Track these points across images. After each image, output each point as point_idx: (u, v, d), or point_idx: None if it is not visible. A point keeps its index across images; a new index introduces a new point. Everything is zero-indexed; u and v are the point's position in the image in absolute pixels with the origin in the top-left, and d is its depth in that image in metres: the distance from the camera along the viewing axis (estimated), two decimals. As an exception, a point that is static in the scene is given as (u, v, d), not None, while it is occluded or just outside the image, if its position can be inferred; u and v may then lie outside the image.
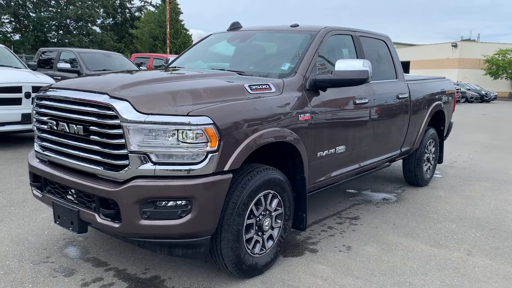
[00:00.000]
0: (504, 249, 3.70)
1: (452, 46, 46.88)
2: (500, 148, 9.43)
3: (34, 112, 3.06)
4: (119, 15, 43.90)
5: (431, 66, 47.56)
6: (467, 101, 34.35)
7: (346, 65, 3.36)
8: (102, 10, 38.99)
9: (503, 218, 4.54)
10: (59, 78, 9.21)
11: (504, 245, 3.78)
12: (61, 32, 36.25)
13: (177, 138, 2.43)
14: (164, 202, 2.48)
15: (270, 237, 3.08)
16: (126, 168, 2.47)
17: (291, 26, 4.09)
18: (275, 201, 3.04)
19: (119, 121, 2.44)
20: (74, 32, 36.69)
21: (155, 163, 2.45)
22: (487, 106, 29.24)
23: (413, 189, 5.59)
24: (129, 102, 2.47)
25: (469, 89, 36.28)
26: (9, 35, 35.03)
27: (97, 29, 38.71)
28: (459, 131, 11.65)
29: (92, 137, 2.59)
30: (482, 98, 35.72)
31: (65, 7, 35.12)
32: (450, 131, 6.42)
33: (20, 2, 32.97)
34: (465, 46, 47.61)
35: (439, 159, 6.15)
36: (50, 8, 35.09)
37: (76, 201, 2.78)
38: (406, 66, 47.56)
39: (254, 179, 2.80)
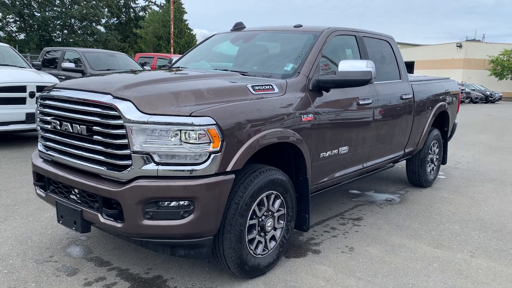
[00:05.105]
0: (508, 251, 3.68)
1: (457, 46, 46.67)
2: (505, 149, 9.38)
3: (38, 111, 3.08)
4: (123, 15, 44.06)
5: (435, 67, 47.37)
6: (471, 101, 34.18)
7: (350, 65, 3.35)
8: (106, 9, 39.16)
9: (507, 219, 4.51)
10: (63, 77, 9.25)
11: (507, 247, 3.76)
12: (65, 31, 36.45)
13: (180, 139, 2.44)
14: (166, 202, 2.49)
15: (273, 237, 3.08)
16: (129, 168, 2.47)
17: (294, 27, 4.08)
18: (277, 202, 3.04)
19: (122, 121, 2.45)
20: (79, 32, 36.89)
21: (158, 163, 2.46)
22: (492, 107, 29.09)
23: (416, 190, 5.57)
24: (132, 103, 2.48)
25: (473, 90, 36.07)
26: (14, 35, 35.24)
27: (102, 29, 38.91)
28: (463, 131, 11.60)
29: (95, 137, 2.60)
30: (487, 99, 35.54)
31: (69, 7, 35.31)
32: (454, 132, 6.39)
33: (25, 1, 33.16)
34: (470, 46, 47.37)
35: (443, 160, 6.12)
36: (55, 8, 35.29)
37: (79, 201, 2.79)
38: (410, 66, 47.42)
39: (257, 180, 2.80)
